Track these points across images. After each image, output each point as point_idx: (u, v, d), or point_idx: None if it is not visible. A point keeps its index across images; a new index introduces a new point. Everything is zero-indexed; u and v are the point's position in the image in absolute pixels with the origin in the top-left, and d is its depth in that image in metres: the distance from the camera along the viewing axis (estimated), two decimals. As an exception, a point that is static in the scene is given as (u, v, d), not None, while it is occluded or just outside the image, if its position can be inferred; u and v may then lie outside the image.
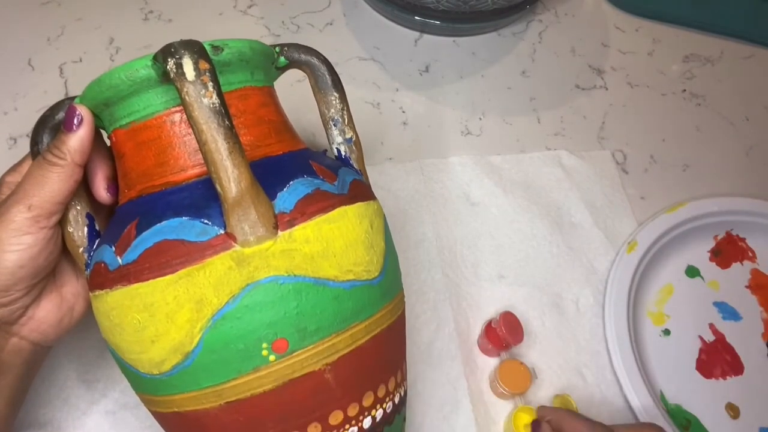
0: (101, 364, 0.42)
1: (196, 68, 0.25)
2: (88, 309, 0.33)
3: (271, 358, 0.26)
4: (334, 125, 0.35)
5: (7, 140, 0.51)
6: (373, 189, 0.35)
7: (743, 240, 0.54)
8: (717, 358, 0.49)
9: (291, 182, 0.28)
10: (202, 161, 0.28)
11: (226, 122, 0.25)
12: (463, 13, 0.57)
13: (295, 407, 0.27)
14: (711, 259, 0.53)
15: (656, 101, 0.61)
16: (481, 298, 0.48)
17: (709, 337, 0.49)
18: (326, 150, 0.37)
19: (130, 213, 0.29)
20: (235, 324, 0.26)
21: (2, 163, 0.36)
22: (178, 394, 0.27)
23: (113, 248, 0.28)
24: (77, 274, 0.34)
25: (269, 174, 0.28)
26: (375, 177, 0.51)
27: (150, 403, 0.30)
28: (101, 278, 0.28)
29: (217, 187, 0.25)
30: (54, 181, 0.29)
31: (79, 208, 0.32)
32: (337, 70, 0.36)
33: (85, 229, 0.32)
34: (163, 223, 0.27)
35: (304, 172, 0.29)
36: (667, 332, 0.49)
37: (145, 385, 0.29)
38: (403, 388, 0.33)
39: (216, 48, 0.28)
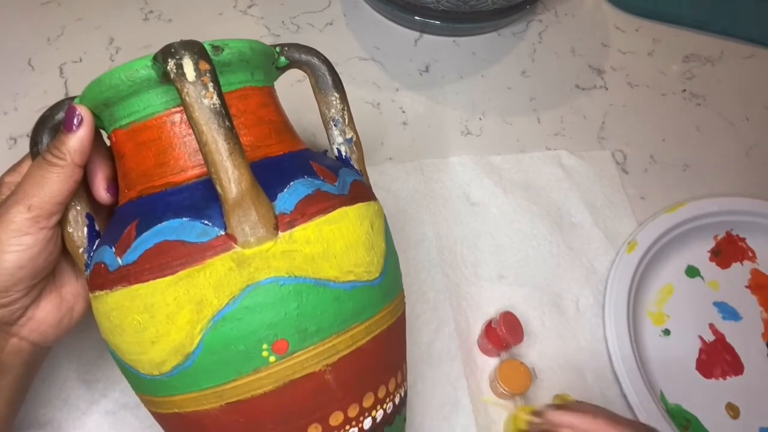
0: (101, 364, 0.42)
1: (197, 69, 0.25)
2: (88, 309, 0.33)
3: (272, 359, 0.26)
4: (335, 125, 0.35)
5: (7, 140, 0.51)
6: (373, 189, 0.35)
7: (743, 240, 0.54)
8: (717, 358, 0.49)
9: (291, 183, 0.28)
10: (203, 162, 0.27)
11: (227, 123, 0.25)
12: (463, 13, 0.57)
13: (295, 408, 0.27)
14: (711, 259, 0.53)
15: (656, 101, 0.61)
16: (481, 298, 0.48)
17: (709, 337, 0.49)
18: (326, 150, 0.36)
19: (130, 213, 0.29)
20: (235, 325, 0.26)
21: (2, 163, 0.35)
22: (179, 395, 0.27)
23: (113, 249, 0.28)
24: (77, 274, 0.34)
25: (269, 175, 0.28)
26: (375, 177, 0.51)
27: (150, 404, 0.30)
28: (101, 279, 0.28)
29: (218, 187, 0.25)
30: (54, 182, 0.29)
31: (78, 208, 0.32)
32: (337, 70, 0.36)
33: (85, 229, 0.32)
34: (164, 223, 0.27)
35: (304, 172, 0.29)
36: (667, 332, 0.49)
37: (145, 386, 0.29)
38: (403, 388, 0.33)
39: (216, 48, 0.28)
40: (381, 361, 0.30)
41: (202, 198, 0.27)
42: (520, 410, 0.42)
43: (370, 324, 0.29)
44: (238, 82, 0.30)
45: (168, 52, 0.25)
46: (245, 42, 0.30)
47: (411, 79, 0.59)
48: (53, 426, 0.40)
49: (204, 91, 0.24)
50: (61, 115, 0.32)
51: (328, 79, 0.35)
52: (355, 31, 0.61)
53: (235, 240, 0.26)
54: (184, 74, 0.24)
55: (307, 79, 0.36)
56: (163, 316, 0.26)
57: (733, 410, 0.47)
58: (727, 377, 0.48)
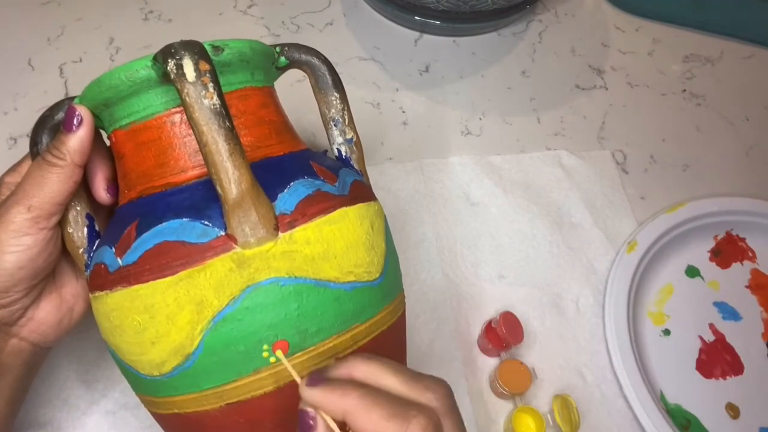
0: (101, 365, 0.42)
1: (197, 69, 0.25)
2: (88, 310, 0.33)
3: (272, 359, 0.26)
4: (335, 125, 0.35)
5: (7, 140, 0.51)
6: (373, 189, 0.35)
7: (743, 240, 0.54)
8: (717, 358, 0.49)
9: (291, 183, 0.28)
10: (203, 162, 0.27)
11: (227, 123, 0.25)
12: (463, 13, 0.57)
13: (295, 409, 0.27)
14: (711, 259, 0.53)
15: (656, 101, 0.61)
16: (481, 298, 0.48)
17: (709, 337, 0.49)
18: (327, 150, 0.36)
19: (130, 214, 0.29)
20: (235, 326, 0.26)
21: (2, 163, 0.35)
22: (179, 396, 0.27)
23: (113, 249, 0.28)
24: (77, 274, 0.34)
25: (270, 175, 0.28)
26: (375, 177, 0.51)
27: (150, 405, 0.30)
28: (101, 279, 0.28)
29: (218, 188, 0.25)
30: (53, 182, 0.29)
31: (78, 208, 0.32)
32: (337, 70, 0.36)
33: (85, 229, 0.32)
34: (164, 224, 0.27)
35: (304, 173, 0.29)
36: (667, 332, 0.49)
37: (145, 387, 0.29)
38: (403, 388, 0.33)
39: (216, 48, 0.28)
40: (381, 361, 0.30)
41: (202, 198, 0.27)
42: (520, 410, 0.42)
43: (371, 324, 0.29)
44: (238, 82, 0.30)
45: (168, 52, 0.25)
46: (245, 42, 0.30)
47: (411, 79, 0.59)
48: (53, 426, 0.40)
49: (204, 92, 0.24)
50: (60, 115, 0.32)
51: (328, 79, 0.35)
52: (355, 31, 0.61)
53: (235, 240, 0.26)
54: (184, 74, 0.24)
55: (307, 79, 0.36)
56: (164, 316, 0.26)
57: (733, 410, 0.47)
58: (727, 377, 0.48)
